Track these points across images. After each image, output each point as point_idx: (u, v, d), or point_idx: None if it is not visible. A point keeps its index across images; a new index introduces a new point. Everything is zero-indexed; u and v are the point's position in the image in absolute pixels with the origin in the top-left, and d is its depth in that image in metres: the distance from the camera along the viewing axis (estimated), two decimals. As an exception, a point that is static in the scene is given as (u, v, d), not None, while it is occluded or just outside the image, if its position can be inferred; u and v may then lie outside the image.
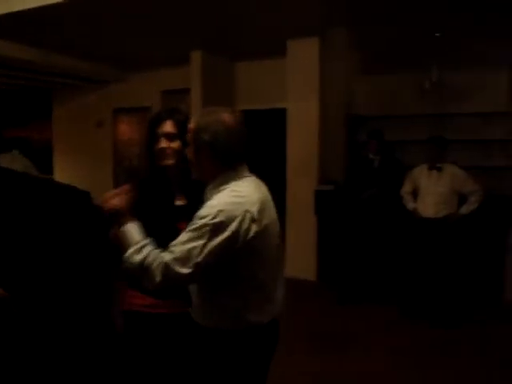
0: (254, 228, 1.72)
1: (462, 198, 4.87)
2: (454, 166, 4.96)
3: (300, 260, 6.28)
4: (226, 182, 1.81)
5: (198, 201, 1.86)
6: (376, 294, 5.47)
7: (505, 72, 5.75)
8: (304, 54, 6.25)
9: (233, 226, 1.68)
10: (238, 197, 1.74)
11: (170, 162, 2.13)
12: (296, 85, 6.33)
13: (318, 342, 4.44)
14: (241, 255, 1.73)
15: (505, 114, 5.99)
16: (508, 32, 5.54)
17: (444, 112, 7.24)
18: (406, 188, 5.11)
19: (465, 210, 4.81)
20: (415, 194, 5.07)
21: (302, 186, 6.26)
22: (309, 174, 6.25)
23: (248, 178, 1.87)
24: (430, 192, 4.89)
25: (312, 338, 4.54)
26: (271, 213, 1.89)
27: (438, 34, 6.60)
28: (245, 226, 1.70)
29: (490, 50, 6.36)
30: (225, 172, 1.82)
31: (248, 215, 1.71)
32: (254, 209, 1.74)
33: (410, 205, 5.04)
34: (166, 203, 2.14)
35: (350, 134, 6.68)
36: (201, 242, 1.67)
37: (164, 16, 5.45)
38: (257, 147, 7.76)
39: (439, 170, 4.89)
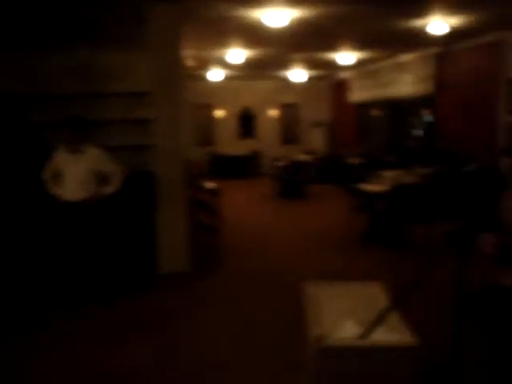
0: None
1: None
2: (94, 147, 4.94)
3: None
4: None
5: None
6: (25, 289, 5.15)
7: (146, 55, 6.02)
8: None
9: None
10: None
11: None
12: None
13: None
14: None
15: (147, 95, 6.29)
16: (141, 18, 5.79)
17: (93, 92, 7.20)
18: (47, 172, 4.89)
19: (107, 190, 4.90)
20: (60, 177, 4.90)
21: None
22: None
23: None
24: (71, 175, 4.78)
25: None
26: None
27: (87, 16, 6.50)
28: None
29: (134, 33, 6.56)
30: None
31: None
32: None
33: (51, 189, 4.84)
34: None
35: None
36: None
37: None
38: None
39: (79, 151, 4.81)
